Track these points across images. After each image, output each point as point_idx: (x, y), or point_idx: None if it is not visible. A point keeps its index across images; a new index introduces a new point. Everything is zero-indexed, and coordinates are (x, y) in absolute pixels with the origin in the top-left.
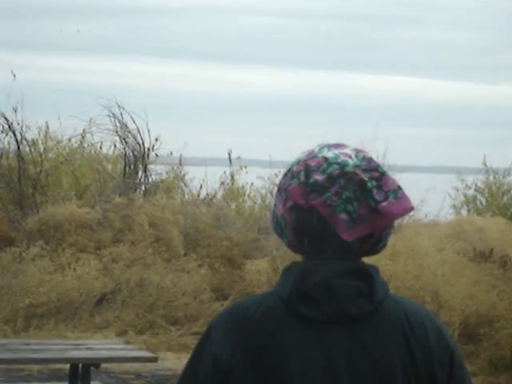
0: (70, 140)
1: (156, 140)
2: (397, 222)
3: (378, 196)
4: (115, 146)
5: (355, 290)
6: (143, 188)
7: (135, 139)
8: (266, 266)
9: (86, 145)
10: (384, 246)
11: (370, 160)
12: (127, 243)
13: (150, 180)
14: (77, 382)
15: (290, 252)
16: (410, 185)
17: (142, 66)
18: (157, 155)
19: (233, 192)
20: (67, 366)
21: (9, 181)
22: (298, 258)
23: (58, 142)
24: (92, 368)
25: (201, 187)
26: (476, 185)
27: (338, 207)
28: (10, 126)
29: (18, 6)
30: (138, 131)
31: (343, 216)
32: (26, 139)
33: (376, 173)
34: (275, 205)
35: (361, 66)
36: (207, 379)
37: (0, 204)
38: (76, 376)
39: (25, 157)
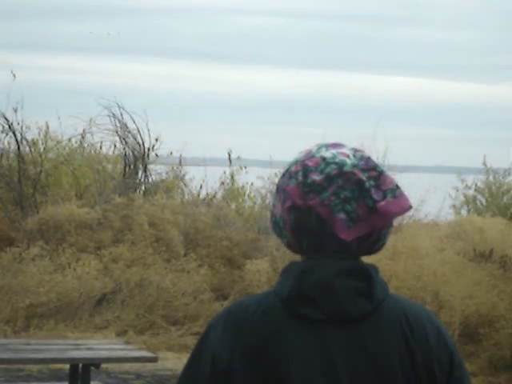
0: (70, 140)
1: (156, 140)
2: (397, 223)
3: (376, 195)
4: (115, 146)
5: (355, 290)
6: (143, 188)
7: (135, 139)
8: (266, 266)
9: (86, 145)
10: (383, 244)
11: (368, 159)
12: (127, 243)
13: (150, 180)
14: (77, 381)
15: (290, 252)
16: (410, 185)
17: (142, 66)
18: (157, 155)
19: (233, 192)
20: (67, 365)
21: (9, 181)
22: (298, 258)
23: (58, 142)
24: (92, 368)
25: (201, 187)
26: (476, 185)
27: (336, 207)
28: (10, 126)
29: (18, 6)
30: (138, 131)
31: (342, 216)
32: (26, 139)
33: (374, 172)
34: (274, 205)
35: (361, 66)
36: (206, 379)
37: (0, 204)
38: (76, 376)
39: (25, 157)
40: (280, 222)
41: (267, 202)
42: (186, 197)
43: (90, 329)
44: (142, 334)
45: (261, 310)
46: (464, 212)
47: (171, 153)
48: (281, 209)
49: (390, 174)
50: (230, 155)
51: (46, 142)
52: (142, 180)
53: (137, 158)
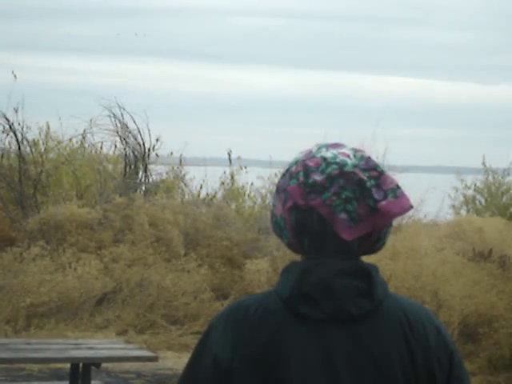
0: (70, 140)
1: (156, 140)
2: (396, 222)
3: (377, 195)
4: (116, 146)
5: (355, 290)
6: (143, 188)
7: (135, 139)
8: (266, 266)
9: (86, 145)
10: (383, 244)
11: (368, 159)
12: (128, 243)
13: (151, 180)
14: (77, 381)
15: (290, 252)
16: (410, 185)
17: (142, 66)
18: (157, 155)
19: (233, 192)
20: (68, 365)
21: (10, 181)
22: (298, 257)
23: (59, 143)
24: (92, 367)
25: (201, 187)
26: (475, 185)
27: (337, 207)
28: (10, 127)
29: (18, 7)
30: (139, 131)
31: (343, 216)
32: (26, 139)
33: (374, 172)
34: (274, 205)
35: (361, 66)
36: (207, 379)
37: (1, 204)
38: (76, 375)
39: (26, 157)
40: (281, 222)
41: (267, 202)
42: (187, 197)
43: (91, 328)
44: (142, 334)
45: (261, 309)
46: (463, 212)
47: (171, 153)
48: (281, 209)
49: (390, 173)
50: (229, 155)
51: (46, 142)
52: (143, 180)
53: (137, 158)
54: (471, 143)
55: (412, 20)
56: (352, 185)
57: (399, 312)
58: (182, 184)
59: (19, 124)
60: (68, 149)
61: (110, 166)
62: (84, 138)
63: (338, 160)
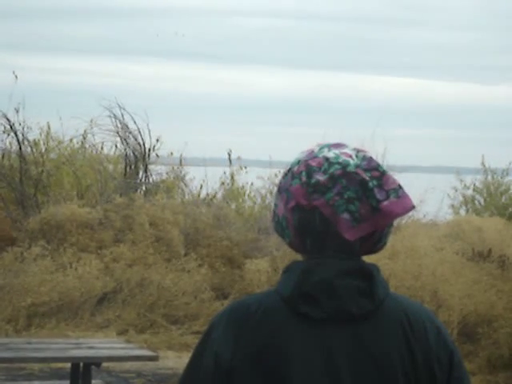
0: (71, 140)
1: (156, 140)
2: (396, 222)
3: (379, 195)
4: (116, 146)
5: (356, 290)
6: (144, 188)
7: (136, 140)
8: (266, 266)
9: (87, 145)
10: (384, 244)
11: (371, 159)
12: (128, 243)
13: (151, 180)
14: (78, 380)
15: (290, 252)
16: (409, 185)
17: (142, 67)
18: (157, 155)
19: (233, 192)
20: (68, 364)
21: (11, 181)
22: (299, 257)
23: (60, 143)
24: (93, 367)
25: (201, 187)
26: (474, 185)
27: (340, 207)
28: (11, 127)
29: (19, 7)
30: (139, 132)
31: (345, 216)
32: (27, 140)
33: (376, 172)
34: (276, 205)
35: (360, 66)
36: (208, 378)
37: (2, 204)
38: (77, 375)
39: (26, 157)
40: (283, 222)
41: (267, 202)
42: (187, 197)
43: (91, 328)
44: (142, 333)
45: (262, 308)
46: (463, 212)
47: (172, 153)
48: (284, 209)
49: (391, 174)
50: (230, 155)
51: (47, 142)
52: (143, 180)
53: (138, 159)
54: (470, 143)
55: (412, 21)
56: (354, 185)
57: (400, 312)
58: (182, 184)
59: (20, 124)
60: (69, 149)
61: (111, 166)
62: (85, 138)
63: (340, 160)
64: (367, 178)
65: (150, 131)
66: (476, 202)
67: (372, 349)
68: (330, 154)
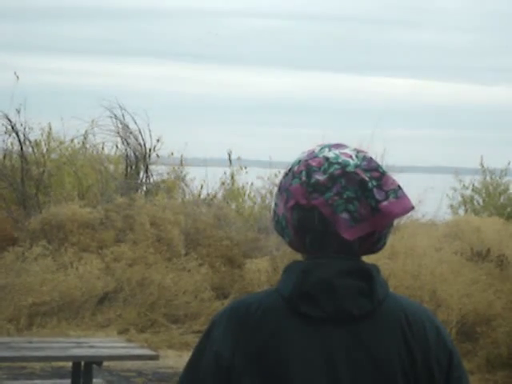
0: (72, 141)
1: (157, 141)
2: (395, 222)
3: (378, 196)
4: (117, 146)
5: (356, 290)
6: (144, 188)
7: (136, 140)
8: (266, 266)
9: (88, 145)
10: (384, 244)
11: (370, 160)
12: (129, 243)
13: (152, 180)
14: (79, 379)
15: (290, 251)
16: (409, 185)
17: (143, 67)
18: (158, 156)
19: (233, 192)
20: (69, 363)
21: (12, 181)
22: (299, 256)
23: (61, 143)
24: (94, 366)
25: (201, 187)
26: (473, 185)
27: (339, 207)
28: (13, 127)
29: (20, 8)
30: (140, 132)
31: (344, 215)
32: (29, 140)
33: (376, 173)
34: (276, 204)
35: (360, 67)
36: (209, 376)
37: (3, 204)
38: (78, 374)
39: (28, 157)
40: (282, 221)
41: (267, 202)
42: (187, 197)
43: (92, 327)
44: (143, 332)
45: (262, 308)
46: (461, 212)
47: (172, 153)
48: (283, 208)
49: (391, 174)
50: (230, 156)
51: (48, 142)
52: (144, 180)
53: (138, 159)
54: (469, 144)
55: (411, 22)
56: (354, 185)
57: (399, 312)
58: (182, 184)
59: (21, 125)
60: (70, 149)
61: (112, 167)
62: (85, 138)
63: (340, 160)
64: (367, 179)
65: (150, 131)
66: (475, 202)
67: (371, 349)
68: (330, 154)
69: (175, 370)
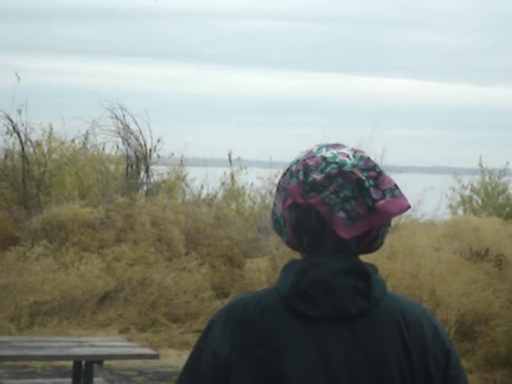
0: (73, 141)
1: (157, 141)
2: (394, 222)
3: (375, 195)
4: (118, 147)
5: (353, 289)
6: (145, 188)
7: (137, 140)
8: (266, 265)
9: (89, 146)
10: (381, 243)
11: (368, 160)
12: (129, 242)
13: (152, 180)
14: (80, 378)
15: (290, 251)
16: (408, 185)
17: (143, 68)
18: (158, 156)
19: (233, 192)
20: (70, 362)
21: (13, 181)
22: (298, 256)
23: (62, 143)
24: (95, 365)
25: (201, 187)
26: (472, 185)
27: (336, 206)
28: (14, 128)
29: (21, 8)
30: (140, 132)
31: (341, 214)
32: (30, 140)
33: (373, 172)
34: (275, 203)
35: (359, 68)
36: (207, 375)
37: (5, 204)
38: (79, 373)
39: (29, 157)
40: (281, 221)
41: (267, 202)
42: (187, 197)
43: (93, 326)
44: (144, 332)
45: (260, 306)
46: (460, 212)
47: (172, 154)
48: (281, 207)
49: (388, 174)
50: (230, 156)
51: (49, 143)
52: (144, 180)
53: (139, 159)
54: (468, 144)
55: (411, 22)
56: (351, 184)
57: (397, 311)
58: (182, 184)
59: (23, 125)
60: (71, 149)
61: (112, 167)
62: (86, 138)
63: (337, 160)
64: (363, 178)
65: (151, 132)
66: (473, 202)
67: (368, 348)
68: (328, 154)
69: (175, 369)
